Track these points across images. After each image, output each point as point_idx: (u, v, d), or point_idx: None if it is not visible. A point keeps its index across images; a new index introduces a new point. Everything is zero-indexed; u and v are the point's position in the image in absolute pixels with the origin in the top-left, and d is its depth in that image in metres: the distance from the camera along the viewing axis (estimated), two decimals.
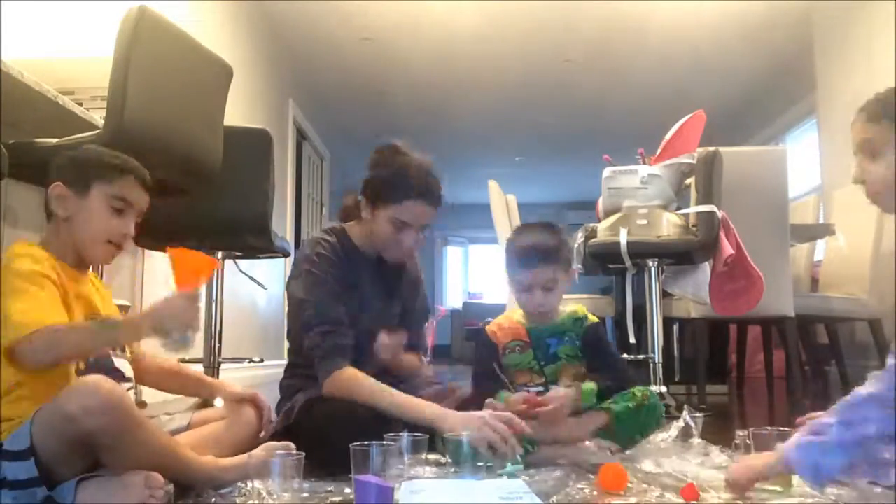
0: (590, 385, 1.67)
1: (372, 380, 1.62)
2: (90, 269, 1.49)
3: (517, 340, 1.81)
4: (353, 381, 1.62)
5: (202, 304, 1.43)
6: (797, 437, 1.22)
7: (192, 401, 1.72)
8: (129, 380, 1.43)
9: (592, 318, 1.82)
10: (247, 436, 1.55)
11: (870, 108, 1.32)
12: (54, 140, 1.67)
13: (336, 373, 1.63)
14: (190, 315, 1.30)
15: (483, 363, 1.84)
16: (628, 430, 1.65)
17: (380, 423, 1.49)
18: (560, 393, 1.63)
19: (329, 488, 1.34)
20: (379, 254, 1.82)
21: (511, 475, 1.40)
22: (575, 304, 1.86)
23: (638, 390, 1.71)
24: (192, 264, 1.36)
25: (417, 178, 1.72)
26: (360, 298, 1.80)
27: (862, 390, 1.20)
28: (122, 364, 1.43)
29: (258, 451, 1.34)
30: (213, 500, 1.24)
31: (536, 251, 1.72)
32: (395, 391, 1.60)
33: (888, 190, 1.29)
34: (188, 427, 1.51)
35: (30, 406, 1.20)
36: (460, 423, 1.48)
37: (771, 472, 1.26)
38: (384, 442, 1.33)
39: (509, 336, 1.82)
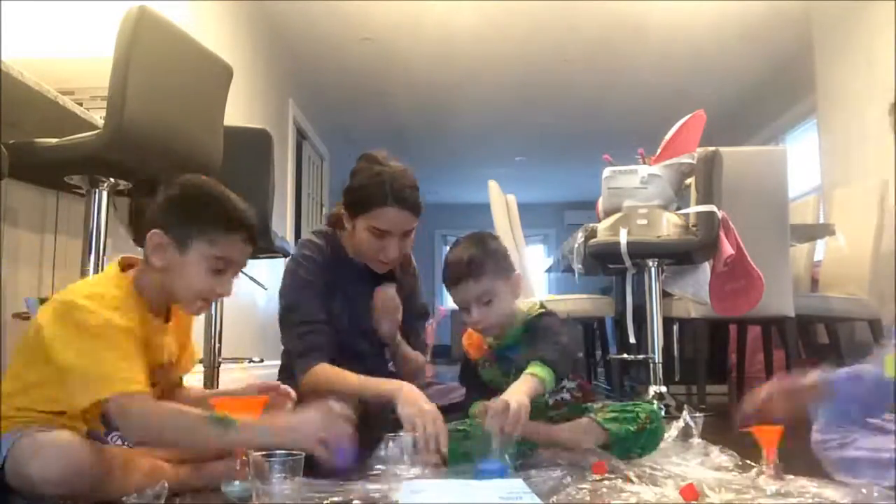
0: (535, 366, 1.52)
1: (340, 370, 1.66)
2: None
3: (485, 356, 1.77)
4: (325, 374, 1.66)
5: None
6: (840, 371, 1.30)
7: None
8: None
9: (538, 311, 1.71)
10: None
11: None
12: (54, 140, 1.67)
13: (310, 370, 1.67)
14: (331, 429, 1.21)
15: (465, 370, 1.85)
16: (626, 450, 1.59)
17: (362, 425, 1.50)
18: (501, 402, 1.47)
19: (321, 489, 1.34)
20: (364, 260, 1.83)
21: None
22: (534, 302, 1.77)
23: (642, 412, 1.63)
24: (242, 410, 1.23)
25: (391, 185, 1.72)
26: (345, 301, 1.82)
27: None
28: None
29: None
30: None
31: (460, 268, 1.64)
32: (361, 376, 1.64)
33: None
34: None
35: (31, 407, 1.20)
36: (411, 399, 1.52)
37: (811, 390, 1.32)
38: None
39: (478, 352, 1.78)
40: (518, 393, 1.45)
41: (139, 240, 1.36)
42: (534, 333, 1.66)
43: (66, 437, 1.15)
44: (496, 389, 1.68)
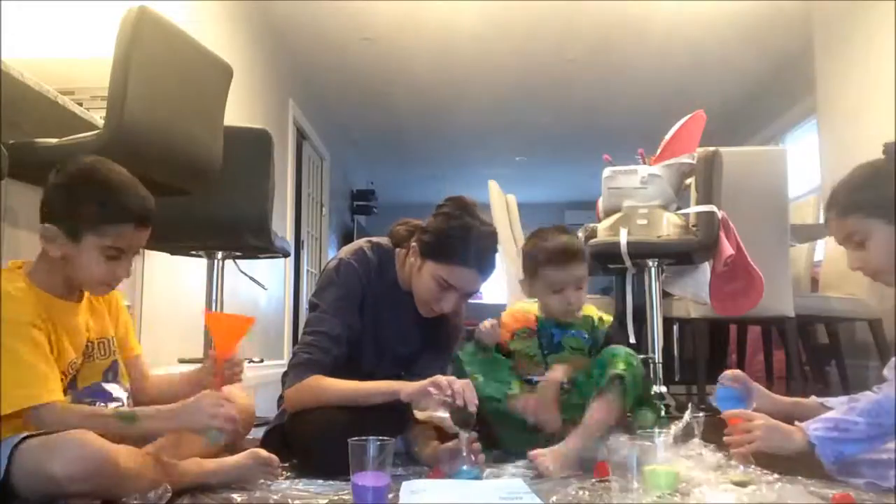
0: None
1: (333, 380, 1.59)
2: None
3: (525, 328, 1.85)
4: (316, 387, 1.59)
5: (243, 369, 1.39)
6: (818, 425, 1.33)
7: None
8: (117, 399, 1.41)
9: (607, 319, 1.86)
10: (243, 420, 1.53)
11: (835, 204, 1.47)
12: (54, 140, 1.67)
13: (298, 385, 1.61)
14: (216, 412, 1.25)
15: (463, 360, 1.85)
16: (637, 397, 1.70)
17: (360, 427, 1.50)
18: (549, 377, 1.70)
19: (318, 489, 1.34)
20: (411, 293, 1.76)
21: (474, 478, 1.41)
22: (586, 305, 1.88)
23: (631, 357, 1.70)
24: (228, 326, 1.37)
25: (477, 245, 1.64)
26: (375, 322, 1.76)
27: (889, 392, 1.30)
28: (113, 387, 1.41)
29: (242, 458, 1.35)
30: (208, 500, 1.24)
31: (573, 250, 1.76)
32: (352, 382, 1.58)
33: (885, 270, 1.38)
34: None
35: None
36: (415, 389, 1.47)
37: (792, 445, 1.34)
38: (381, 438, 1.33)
39: (520, 323, 1.86)
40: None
41: None
42: (605, 339, 1.81)
43: (80, 434, 1.16)
44: (522, 364, 1.81)
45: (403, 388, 1.50)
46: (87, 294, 1.42)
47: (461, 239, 1.63)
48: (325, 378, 1.61)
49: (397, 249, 1.81)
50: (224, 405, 1.26)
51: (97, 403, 1.35)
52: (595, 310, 1.88)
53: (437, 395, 1.42)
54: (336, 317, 1.68)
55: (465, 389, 1.42)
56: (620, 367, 1.64)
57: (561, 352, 1.80)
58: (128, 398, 1.44)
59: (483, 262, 1.66)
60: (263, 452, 1.37)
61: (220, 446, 1.38)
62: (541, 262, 1.76)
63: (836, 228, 1.41)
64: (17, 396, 1.19)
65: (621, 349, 1.72)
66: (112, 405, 1.36)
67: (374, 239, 1.83)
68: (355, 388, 1.56)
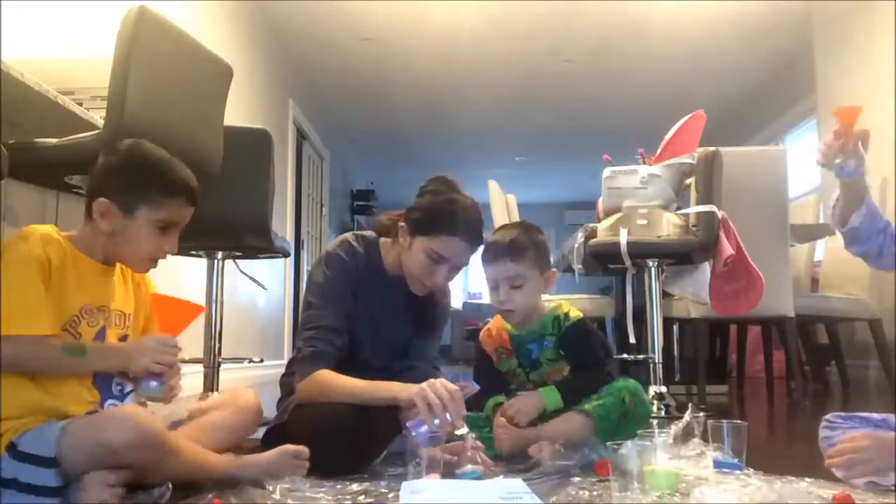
0: (551, 392, 1.66)
1: (339, 376, 1.62)
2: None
3: (502, 347, 1.81)
4: (322, 383, 1.61)
5: (180, 351, 1.37)
6: None
7: (192, 393, 1.72)
8: (127, 393, 1.41)
9: (575, 314, 1.77)
10: (246, 421, 1.55)
11: None
12: (54, 140, 1.67)
13: (307, 378, 1.63)
14: (162, 358, 1.30)
15: (480, 367, 1.87)
16: (611, 435, 1.59)
17: (362, 425, 1.50)
18: (514, 403, 1.66)
19: (321, 489, 1.34)
20: (402, 278, 1.78)
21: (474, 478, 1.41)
22: (559, 302, 1.82)
23: (627, 394, 1.66)
24: (174, 311, 1.37)
25: (463, 216, 1.69)
26: (368, 311, 1.78)
27: None
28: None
29: (272, 454, 1.36)
30: (210, 496, 1.24)
31: (500, 246, 1.72)
32: (358, 381, 1.60)
33: None
34: (188, 418, 1.48)
35: (31, 407, 1.21)
36: (413, 391, 1.48)
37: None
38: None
39: (496, 342, 1.82)
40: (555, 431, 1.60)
41: None
42: (571, 340, 1.73)
43: (131, 409, 1.23)
44: (512, 380, 1.78)
45: (401, 392, 1.52)
46: (118, 266, 1.44)
47: (448, 212, 1.68)
48: (332, 374, 1.62)
49: (382, 239, 1.84)
50: (166, 350, 1.31)
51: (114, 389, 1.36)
52: (567, 306, 1.81)
53: (424, 415, 1.43)
54: (332, 308, 1.70)
55: (451, 402, 1.43)
56: (594, 403, 1.64)
57: (539, 367, 1.76)
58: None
59: (471, 232, 1.70)
60: (292, 447, 1.38)
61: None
62: (481, 256, 1.77)
63: None
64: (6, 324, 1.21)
65: (629, 384, 1.69)
66: (127, 389, 1.37)
67: (358, 232, 1.86)
68: (361, 389, 1.58)
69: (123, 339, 1.42)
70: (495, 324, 1.85)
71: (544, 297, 1.91)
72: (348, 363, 1.68)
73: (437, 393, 1.43)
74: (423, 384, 1.46)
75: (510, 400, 1.70)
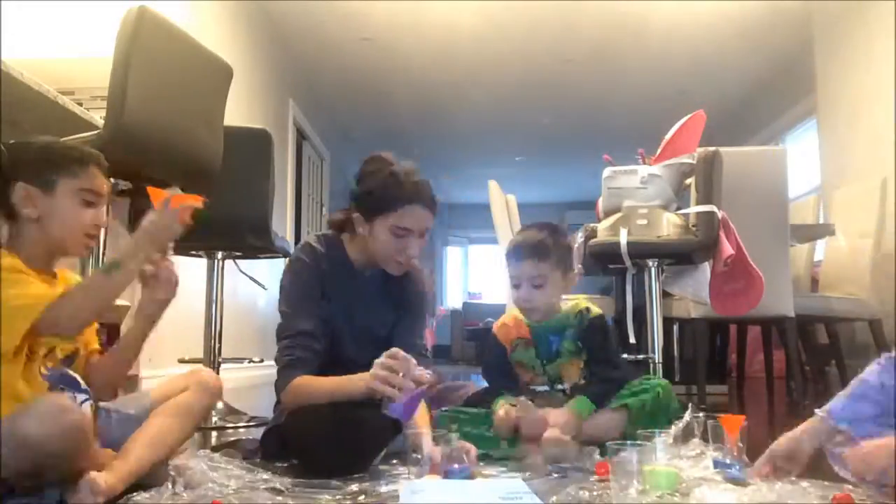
0: (582, 403, 1.70)
1: (315, 378, 1.62)
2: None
3: (520, 338, 1.84)
4: (303, 386, 1.62)
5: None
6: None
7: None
8: (86, 391, 1.39)
9: (595, 311, 1.83)
10: (211, 400, 1.53)
11: None
12: None
13: (289, 385, 1.63)
14: (175, 222, 1.35)
15: (492, 360, 1.89)
16: (644, 426, 1.65)
17: (359, 425, 1.50)
18: (557, 420, 1.66)
19: (321, 489, 1.34)
20: (371, 268, 1.79)
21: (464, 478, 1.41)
22: (579, 299, 1.88)
23: (662, 390, 1.74)
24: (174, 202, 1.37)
25: (410, 184, 1.69)
26: (342, 308, 1.77)
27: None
28: (76, 376, 1.39)
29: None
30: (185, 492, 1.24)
31: (525, 246, 1.78)
32: (332, 380, 1.60)
33: None
34: (151, 407, 1.44)
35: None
36: (367, 384, 1.47)
37: (809, 435, 1.33)
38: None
39: (514, 333, 1.85)
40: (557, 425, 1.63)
41: None
42: (590, 334, 1.79)
43: (58, 396, 1.20)
44: (524, 374, 1.82)
45: (364, 382, 1.50)
46: (58, 276, 1.41)
47: (395, 183, 1.69)
48: (308, 378, 1.63)
49: (344, 234, 1.83)
50: (182, 217, 1.35)
51: (66, 391, 1.32)
52: (584, 301, 1.87)
53: (387, 392, 1.43)
54: (303, 313, 1.71)
55: (399, 366, 1.44)
56: (633, 398, 1.71)
57: (558, 359, 1.80)
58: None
59: (424, 195, 1.70)
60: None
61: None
62: (506, 255, 1.84)
63: None
64: (29, 307, 1.21)
65: (662, 382, 1.78)
66: (80, 396, 1.34)
67: (319, 233, 1.87)
68: (334, 388, 1.58)
69: (74, 353, 1.39)
70: (511, 316, 1.89)
71: None
72: (335, 363, 1.68)
73: (384, 366, 1.45)
74: (372, 369, 1.47)
75: (542, 411, 1.70)
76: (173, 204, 1.37)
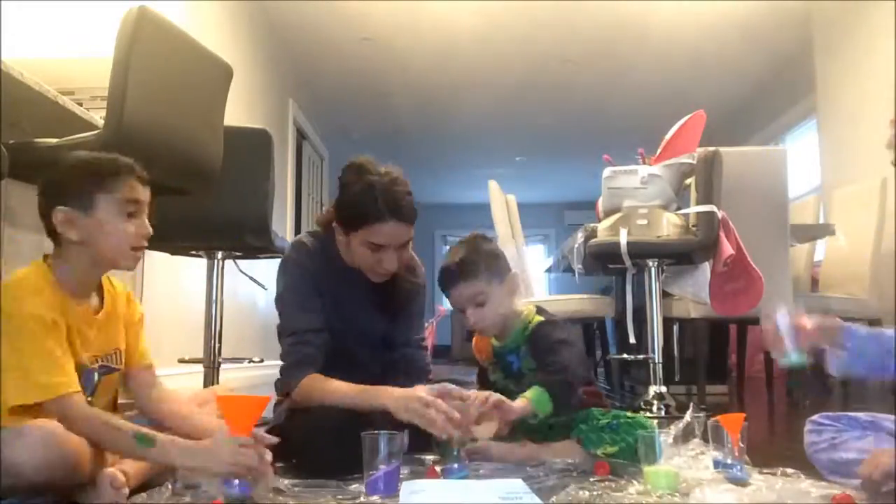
0: (536, 393, 1.52)
1: (331, 382, 1.61)
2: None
3: (489, 359, 1.80)
4: (317, 385, 1.62)
5: (257, 445, 1.24)
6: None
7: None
8: (116, 369, 1.41)
9: (536, 319, 1.71)
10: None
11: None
12: (54, 140, 1.67)
13: (300, 383, 1.64)
14: (240, 461, 1.19)
15: (481, 373, 1.86)
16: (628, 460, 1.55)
17: (359, 424, 1.50)
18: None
19: (320, 489, 1.34)
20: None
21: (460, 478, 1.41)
22: (529, 308, 1.75)
23: (643, 447, 1.48)
24: (242, 409, 1.25)
25: (384, 198, 1.64)
26: (336, 304, 1.78)
27: None
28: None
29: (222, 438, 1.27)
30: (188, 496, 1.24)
31: (452, 271, 1.67)
32: (348, 387, 1.58)
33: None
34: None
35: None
36: (398, 398, 1.47)
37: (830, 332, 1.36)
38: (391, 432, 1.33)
39: (483, 354, 1.81)
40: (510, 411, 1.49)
41: None
42: (534, 345, 1.67)
43: (49, 423, 1.17)
44: (503, 391, 1.72)
45: (388, 402, 1.49)
46: (107, 302, 1.41)
47: (367, 200, 1.64)
48: (322, 379, 1.63)
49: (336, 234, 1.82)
50: (244, 453, 1.20)
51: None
52: (530, 311, 1.74)
53: (418, 419, 1.43)
54: (301, 311, 1.72)
55: (444, 417, 1.42)
56: (609, 448, 1.56)
57: (524, 377, 1.68)
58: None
59: (398, 210, 1.65)
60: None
61: None
62: (438, 285, 1.73)
63: None
64: (43, 385, 1.19)
65: (647, 435, 1.49)
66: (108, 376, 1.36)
67: (309, 230, 1.86)
68: (351, 396, 1.57)
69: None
70: (481, 338, 1.81)
71: (544, 300, 1.89)
72: (335, 361, 1.69)
73: (424, 402, 1.43)
74: (405, 398, 1.46)
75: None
76: (246, 415, 1.23)
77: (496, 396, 1.49)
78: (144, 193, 1.38)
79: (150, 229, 1.38)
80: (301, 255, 1.77)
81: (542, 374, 1.59)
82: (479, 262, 1.67)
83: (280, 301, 1.77)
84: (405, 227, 1.68)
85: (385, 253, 1.68)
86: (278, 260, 1.91)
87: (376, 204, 1.63)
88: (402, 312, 1.88)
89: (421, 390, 1.49)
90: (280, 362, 1.79)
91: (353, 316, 1.80)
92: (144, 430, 1.24)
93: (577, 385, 1.61)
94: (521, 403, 1.50)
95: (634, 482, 1.37)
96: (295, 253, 1.78)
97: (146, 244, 1.38)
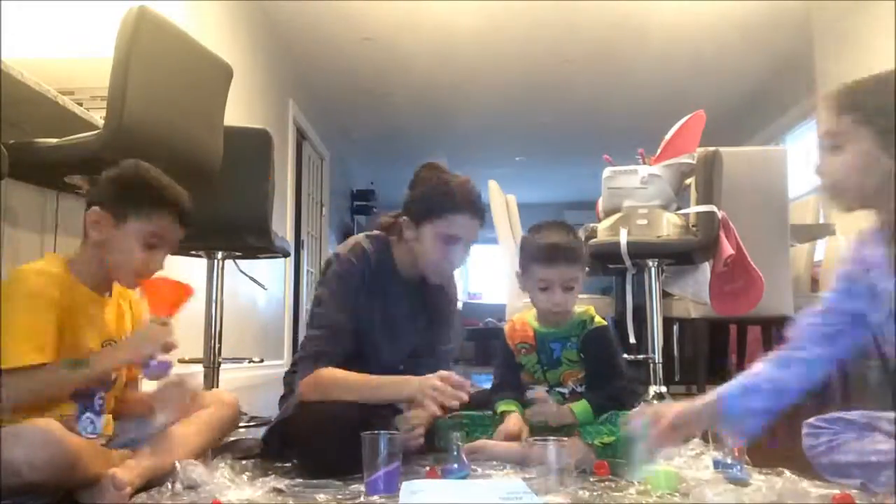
0: (582, 407, 1.67)
1: (342, 373, 1.62)
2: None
3: (525, 342, 1.81)
4: (325, 380, 1.62)
5: (176, 326, 1.38)
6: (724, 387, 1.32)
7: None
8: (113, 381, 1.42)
9: (599, 321, 1.79)
10: (232, 418, 1.59)
11: (832, 99, 1.28)
12: (54, 140, 1.67)
13: (309, 376, 1.63)
14: (163, 338, 1.32)
15: (502, 360, 1.87)
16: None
17: (363, 424, 1.51)
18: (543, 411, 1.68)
19: (320, 489, 1.34)
20: (414, 275, 1.80)
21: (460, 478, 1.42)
22: (585, 306, 1.83)
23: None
24: (166, 293, 1.37)
25: (462, 193, 1.72)
26: (380, 311, 1.78)
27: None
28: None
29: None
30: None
31: (561, 249, 1.72)
32: (361, 377, 1.60)
33: (845, 186, 1.26)
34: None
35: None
36: (414, 387, 1.51)
37: (706, 410, 1.32)
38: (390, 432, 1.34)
39: (519, 337, 1.83)
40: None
41: None
42: (594, 344, 1.75)
43: (47, 423, 1.17)
44: (528, 378, 1.80)
45: (402, 390, 1.53)
46: (115, 293, 1.45)
47: (448, 192, 1.72)
48: (335, 370, 1.63)
49: (392, 238, 1.84)
50: (162, 329, 1.33)
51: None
52: (592, 311, 1.82)
53: (431, 403, 1.45)
54: (340, 312, 1.70)
55: (451, 388, 1.46)
56: (605, 438, 1.60)
57: (559, 367, 1.76)
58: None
59: (474, 206, 1.73)
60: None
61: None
62: (532, 257, 1.75)
63: (825, 120, 1.28)
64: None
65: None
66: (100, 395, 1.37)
67: (368, 233, 1.86)
68: (363, 385, 1.59)
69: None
70: (521, 318, 1.85)
71: None
72: (359, 360, 1.69)
73: (436, 387, 1.46)
74: (421, 383, 1.49)
75: (534, 408, 1.70)
76: (169, 300, 1.37)
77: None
78: (175, 233, 1.43)
79: (162, 266, 1.43)
80: (357, 257, 1.76)
81: (594, 379, 1.73)
82: (581, 248, 1.76)
83: (321, 292, 1.75)
84: (477, 222, 1.74)
85: (455, 247, 1.73)
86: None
87: (454, 196, 1.71)
88: (435, 323, 1.91)
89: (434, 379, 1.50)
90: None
91: (391, 320, 1.80)
92: (74, 358, 1.29)
93: (625, 395, 1.73)
94: (566, 412, 1.65)
95: (634, 482, 1.37)
96: (350, 252, 1.77)
97: (151, 275, 1.42)
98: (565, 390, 1.77)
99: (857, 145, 1.22)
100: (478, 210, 1.74)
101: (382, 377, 1.61)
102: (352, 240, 1.83)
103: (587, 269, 1.79)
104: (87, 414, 1.34)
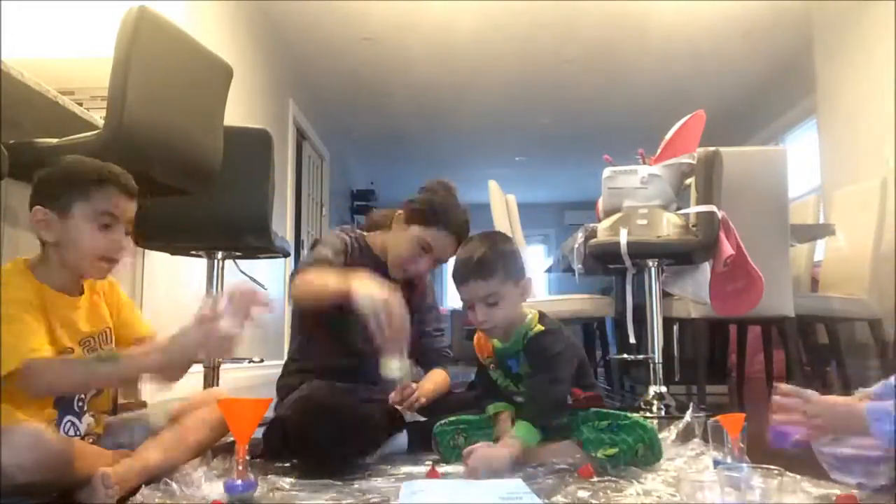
0: (524, 428, 1.52)
1: (323, 274, 1.69)
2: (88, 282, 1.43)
3: (490, 357, 1.76)
4: (311, 277, 1.70)
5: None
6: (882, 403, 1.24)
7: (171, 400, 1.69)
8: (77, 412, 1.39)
9: (537, 328, 1.66)
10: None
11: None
12: (54, 140, 1.67)
13: (300, 274, 1.74)
14: (206, 341, 1.26)
15: (480, 370, 1.84)
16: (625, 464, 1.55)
17: (360, 417, 1.51)
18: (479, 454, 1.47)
19: (321, 488, 1.34)
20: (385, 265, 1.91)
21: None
22: (532, 312, 1.70)
23: (642, 447, 1.53)
24: (245, 413, 1.25)
25: (457, 215, 1.88)
26: None
27: None
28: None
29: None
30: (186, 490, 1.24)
31: (469, 266, 1.60)
32: (331, 276, 1.67)
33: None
34: (172, 420, 1.46)
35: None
36: (365, 291, 1.55)
37: (851, 418, 1.25)
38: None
39: (485, 352, 1.77)
40: (498, 457, 1.46)
41: (139, 241, 1.36)
42: (531, 355, 1.64)
43: (35, 425, 1.16)
44: (504, 390, 1.73)
45: (355, 289, 1.56)
46: (86, 289, 1.42)
47: (445, 208, 1.87)
48: (320, 272, 1.71)
49: (370, 234, 1.99)
50: (209, 328, 1.26)
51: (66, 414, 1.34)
52: (535, 318, 1.68)
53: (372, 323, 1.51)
54: (330, 255, 1.82)
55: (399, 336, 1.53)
56: (607, 451, 1.55)
57: (521, 380, 1.68)
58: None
59: (461, 232, 1.86)
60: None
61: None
62: (452, 275, 1.68)
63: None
64: (6, 362, 1.19)
65: (645, 435, 1.53)
66: (85, 423, 1.35)
67: (344, 227, 2.03)
68: (328, 280, 1.65)
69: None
70: (482, 335, 1.76)
71: (544, 300, 1.89)
72: (344, 354, 1.77)
73: (386, 321, 1.52)
74: (371, 303, 1.53)
75: (474, 447, 1.51)
76: (247, 419, 1.24)
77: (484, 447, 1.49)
78: (126, 207, 1.37)
79: (126, 244, 1.38)
80: (341, 238, 1.91)
81: (535, 389, 1.61)
82: (497, 261, 1.60)
83: (310, 254, 1.86)
84: (455, 249, 1.84)
85: (426, 257, 1.88)
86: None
87: (449, 215, 1.87)
88: (418, 306, 1.99)
89: (397, 296, 1.56)
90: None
91: None
92: (102, 352, 1.26)
93: (564, 402, 1.62)
94: (512, 446, 1.49)
95: (634, 482, 1.37)
96: (334, 236, 1.91)
97: (118, 258, 1.37)
98: None
99: None
100: (462, 237, 1.83)
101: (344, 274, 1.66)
102: (331, 231, 2.00)
103: (520, 279, 1.63)
104: (68, 417, 1.33)
